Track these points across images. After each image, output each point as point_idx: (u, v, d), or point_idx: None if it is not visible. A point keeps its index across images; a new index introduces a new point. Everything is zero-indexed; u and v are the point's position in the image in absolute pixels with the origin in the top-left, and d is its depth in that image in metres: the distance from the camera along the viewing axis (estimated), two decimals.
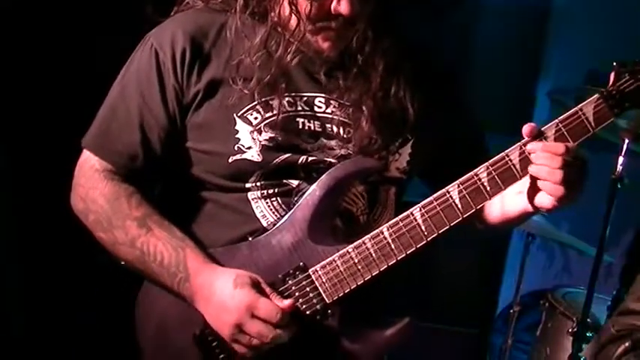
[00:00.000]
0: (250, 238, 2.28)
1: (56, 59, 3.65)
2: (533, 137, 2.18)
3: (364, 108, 2.26)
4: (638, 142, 3.79)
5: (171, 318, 2.32)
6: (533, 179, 2.19)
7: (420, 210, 2.21)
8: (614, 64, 2.21)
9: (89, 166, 2.34)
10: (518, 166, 2.19)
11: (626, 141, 3.73)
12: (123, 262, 2.31)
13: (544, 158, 2.14)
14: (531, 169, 2.17)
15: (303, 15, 2.18)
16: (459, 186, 2.20)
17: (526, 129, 2.18)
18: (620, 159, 3.75)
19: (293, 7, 2.18)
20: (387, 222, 2.28)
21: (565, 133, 2.18)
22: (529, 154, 2.17)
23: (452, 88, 2.45)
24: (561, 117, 2.19)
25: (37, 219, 3.74)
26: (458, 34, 5.47)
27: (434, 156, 2.42)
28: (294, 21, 2.20)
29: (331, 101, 2.29)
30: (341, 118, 2.29)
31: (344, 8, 2.16)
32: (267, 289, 2.20)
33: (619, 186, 3.76)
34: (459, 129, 2.45)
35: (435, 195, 2.21)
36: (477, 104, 2.53)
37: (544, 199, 2.18)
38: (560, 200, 2.16)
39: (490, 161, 2.20)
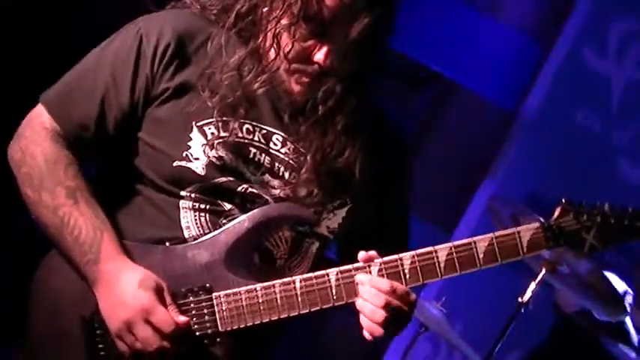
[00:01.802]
0: (167, 244, 2.29)
1: None
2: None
3: (312, 160, 2.29)
4: (555, 274, 3.86)
5: (66, 295, 2.31)
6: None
7: (337, 274, 2.24)
8: (563, 200, 2.27)
9: (39, 121, 2.33)
10: (442, 265, 2.23)
11: (544, 271, 3.80)
12: (39, 224, 2.30)
13: (370, 295, 2.18)
14: (358, 302, 2.20)
15: (282, 51, 2.22)
16: (381, 264, 2.22)
17: (362, 255, 2.23)
18: (533, 285, 3.82)
19: (275, 40, 2.22)
20: (301, 273, 2.31)
21: (496, 248, 2.23)
22: (356, 284, 2.21)
23: (399, 172, 2.49)
24: (498, 232, 2.24)
25: None
26: (422, 115, 5.54)
27: (359, 227, 2.44)
28: (272, 53, 2.24)
29: (288, 142, 2.32)
30: (291, 162, 2.32)
31: (321, 58, 2.21)
32: (168, 300, 2.20)
33: (522, 310, 3.83)
34: (391, 212, 2.49)
35: (356, 265, 2.23)
36: (415, 188, 2.57)
37: (365, 330, 2.21)
38: (377, 336, 2.20)
39: (418, 251, 2.24)
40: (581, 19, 5.53)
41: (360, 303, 2.20)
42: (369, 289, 2.19)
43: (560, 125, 5.56)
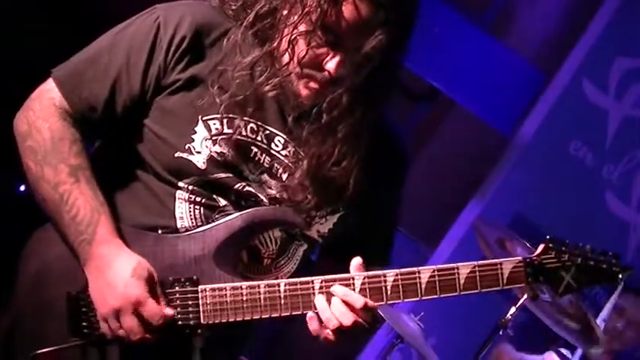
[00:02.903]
0: (160, 231, 2.32)
1: None
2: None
3: (308, 165, 2.31)
4: (535, 301, 3.89)
5: (55, 268, 2.34)
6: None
7: (321, 282, 2.26)
8: (548, 237, 2.31)
9: (49, 97, 2.35)
10: (423, 286, 2.26)
11: (525, 296, 3.82)
12: (37, 197, 2.32)
13: (340, 312, 2.20)
14: (325, 315, 2.22)
15: (296, 56, 2.24)
16: (364, 278, 2.25)
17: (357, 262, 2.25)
18: (513, 309, 3.85)
19: (291, 46, 2.24)
20: (286, 273, 2.36)
21: (478, 276, 2.26)
22: (331, 294, 2.23)
23: (394, 187, 2.53)
24: (481, 262, 2.27)
25: None
26: (416, 129, 5.56)
27: (347, 233, 2.47)
28: (286, 58, 2.25)
29: (289, 145, 2.35)
30: (290, 164, 2.35)
31: (332, 67, 2.24)
32: (158, 291, 2.24)
33: (501, 332, 3.87)
34: (379, 224, 2.53)
35: (340, 276, 2.26)
36: (403, 205, 2.59)
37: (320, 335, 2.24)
38: (329, 342, 2.23)
39: (402, 270, 2.26)
40: (585, 51, 5.57)
41: (327, 317, 2.22)
42: (340, 305, 2.21)
43: (553, 153, 5.60)
